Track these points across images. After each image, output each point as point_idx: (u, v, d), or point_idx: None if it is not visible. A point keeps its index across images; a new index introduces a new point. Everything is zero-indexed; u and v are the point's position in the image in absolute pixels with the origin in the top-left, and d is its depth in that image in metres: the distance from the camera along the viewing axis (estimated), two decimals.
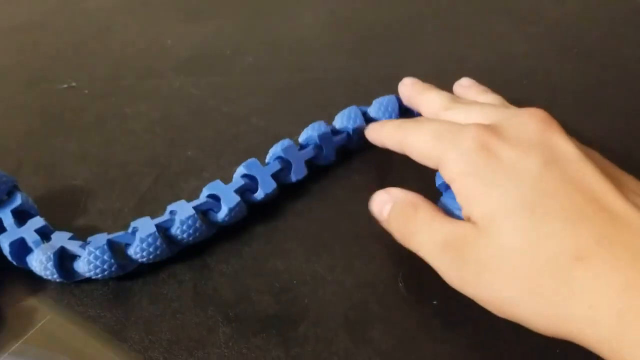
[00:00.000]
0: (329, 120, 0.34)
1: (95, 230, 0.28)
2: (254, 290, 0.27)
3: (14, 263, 0.27)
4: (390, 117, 0.33)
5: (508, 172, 0.22)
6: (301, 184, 0.31)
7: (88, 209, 0.31)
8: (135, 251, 0.27)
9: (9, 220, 0.27)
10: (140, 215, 0.28)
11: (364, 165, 0.33)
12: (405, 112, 0.34)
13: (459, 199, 0.24)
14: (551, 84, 0.40)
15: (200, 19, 0.47)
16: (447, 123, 0.26)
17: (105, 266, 0.26)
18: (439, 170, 0.25)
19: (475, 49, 0.43)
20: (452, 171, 0.24)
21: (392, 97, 0.34)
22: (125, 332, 0.25)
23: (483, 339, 0.25)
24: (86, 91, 0.40)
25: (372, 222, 0.27)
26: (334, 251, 0.28)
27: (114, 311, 0.26)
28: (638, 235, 0.20)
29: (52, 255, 0.26)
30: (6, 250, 0.27)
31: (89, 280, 0.27)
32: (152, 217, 0.28)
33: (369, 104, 0.34)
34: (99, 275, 0.26)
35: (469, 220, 0.23)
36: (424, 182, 0.28)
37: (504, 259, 0.21)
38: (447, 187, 0.26)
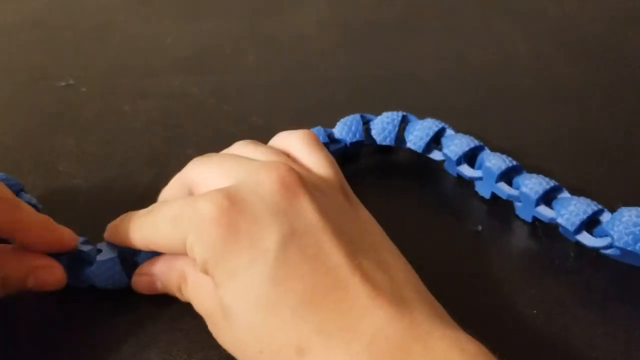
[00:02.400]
0: (328, 120, 0.33)
1: (95, 230, 0.28)
2: None
3: None
4: (354, 138, 0.32)
5: (247, 253, 0.21)
6: None
7: (87, 207, 0.31)
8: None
9: None
10: None
11: (364, 165, 0.33)
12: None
13: (213, 279, 0.22)
14: (552, 84, 0.39)
15: (200, 18, 0.47)
16: (182, 200, 0.24)
17: (116, 278, 0.26)
18: (188, 252, 0.23)
19: (475, 49, 0.43)
20: (198, 261, 0.22)
21: (356, 116, 0.33)
22: (125, 334, 0.25)
23: (483, 339, 0.24)
24: (85, 89, 0.40)
25: None
26: None
27: (113, 312, 0.26)
28: (360, 317, 0.20)
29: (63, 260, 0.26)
30: None
31: None
32: None
33: (370, 103, 0.34)
34: (110, 287, 0.26)
35: None
36: (422, 189, 0.28)
37: (245, 346, 0.21)
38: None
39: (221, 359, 0.24)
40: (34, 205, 0.28)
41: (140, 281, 0.26)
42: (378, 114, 0.33)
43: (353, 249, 0.22)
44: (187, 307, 0.26)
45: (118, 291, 0.27)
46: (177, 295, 0.25)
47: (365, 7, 0.48)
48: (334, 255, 0.21)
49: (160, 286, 0.25)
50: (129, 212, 0.26)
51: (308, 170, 0.25)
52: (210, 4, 0.49)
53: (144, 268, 0.26)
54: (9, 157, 0.34)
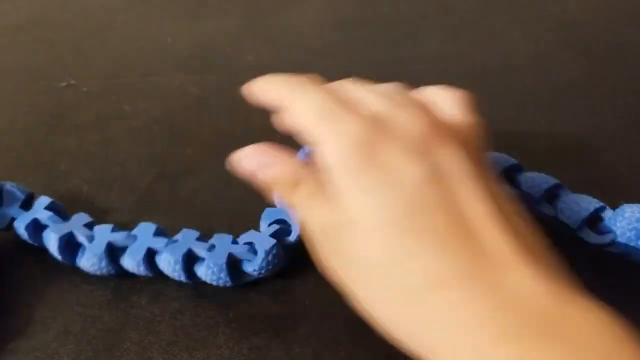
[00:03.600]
0: None
1: None
2: (254, 290, 0.27)
3: (60, 259, 0.27)
4: None
5: (383, 178, 0.21)
6: None
7: (87, 208, 0.31)
8: (257, 266, 0.26)
9: (46, 217, 0.27)
10: (140, 213, 0.28)
11: None
12: None
13: (333, 189, 0.22)
14: (553, 84, 0.39)
15: (201, 17, 0.47)
16: (335, 97, 0.24)
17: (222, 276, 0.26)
18: (316, 148, 0.23)
19: (476, 48, 0.43)
20: (327, 159, 0.22)
21: None
22: (125, 332, 0.25)
23: None
24: (85, 89, 0.40)
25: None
26: None
27: (114, 311, 0.26)
28: (503, 271, 0.19)
29: (180, 258, 0.26)
30: (54, 247, 0.27)
31: (88, 280, 0.27)
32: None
33: None
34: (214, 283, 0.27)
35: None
36: None
37: (368, 265, 0.20)
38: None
39: (221, 358, 0.24)
40: (20, 191, 0.28)
41: (254, 154, 0.25)
42: None
43: (493, 205, 0.21)
44: (188, 306, 0.26)
45: (118, 289, 0.27)
46: (283, 193, 0.24)
47: (365, 7, 0.48)
48: (479, 206, 0.20)
49: (270, 175, 0.24)
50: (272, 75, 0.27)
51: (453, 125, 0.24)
52: (210, 4, 0.49)
53: (246, 151, 0.25)
54: (9, 157, 0.34)
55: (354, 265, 0.21)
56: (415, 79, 0.40)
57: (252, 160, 0.25)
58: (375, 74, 0.41)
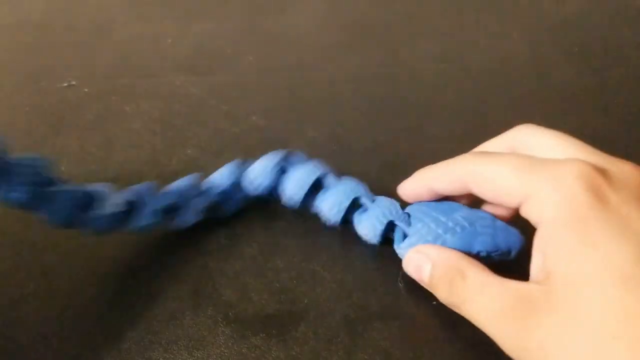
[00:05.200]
0: (328, 119, 0.33)
1: None
2: (254, 289, 0.27)
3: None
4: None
5: (615, 225, 0.19)
6: None
7: None
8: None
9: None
10: None
11: (365, 167, 0.33)
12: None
13: (538, 246, 0.21)
14: (551, 84, 0.40)
15: (201, 18, 0.47)
16: (529, 157, 0.22)
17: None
18: (521, 209, 0.21)
19: (476, 48, 0.43)
20: (542, 212, 0.20)
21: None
22: (126, 332, 0.25)
23: (483, 339, 0.25)
24: (86, 90, 0.40)
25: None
26: (334, 250, 0.28)
27: (114, 310, 0.26)
28: None
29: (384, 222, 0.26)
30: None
31: (89, 280, 0.27)
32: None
33: (370, 103, 0.34)
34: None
35: (538, 273, 0.21)
36: None
37: (577, 334, 0.18)
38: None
39: (221, 357, 0.24)
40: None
41: (413, 259, 0.24)
42: (378, 113, 0.33)
43: None
44: (188, 305, 0.26)
45: (117, 287, 0.27)
46: (440, 292, 0.23)
47: (365, 7, 0.48)
48: None
49: (426, 274, 0.24)
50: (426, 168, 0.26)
51: None
52: (210, 4, 0.49)
53: (422, 248, 0.24)
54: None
55: (557, 338, 0.19)
56: (415, 79, 0.40)
57: (409, 267, 0.25)
58: (375, 74, 0.41)
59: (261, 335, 0.25)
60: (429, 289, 0.24)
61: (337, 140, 0.35)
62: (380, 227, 0.26)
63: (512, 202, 0.22)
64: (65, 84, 0.40)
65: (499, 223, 0.25)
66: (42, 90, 0.40)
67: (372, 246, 0.28)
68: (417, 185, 0.26)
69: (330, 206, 0.27)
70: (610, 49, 0.43)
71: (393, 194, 0.28)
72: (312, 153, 0.33)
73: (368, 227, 0.27)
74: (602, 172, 0.21)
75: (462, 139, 0.35)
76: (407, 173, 0.30)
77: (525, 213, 0.21)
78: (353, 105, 0.38)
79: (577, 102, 0.38)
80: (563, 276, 0.19)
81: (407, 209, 0.27)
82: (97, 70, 0.42)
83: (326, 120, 0.35)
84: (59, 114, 0.38)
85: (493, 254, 0.24)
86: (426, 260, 0.24)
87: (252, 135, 0.36)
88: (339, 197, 0.27)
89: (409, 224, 0.26)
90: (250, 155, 0.30)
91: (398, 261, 0.27)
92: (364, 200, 0.27)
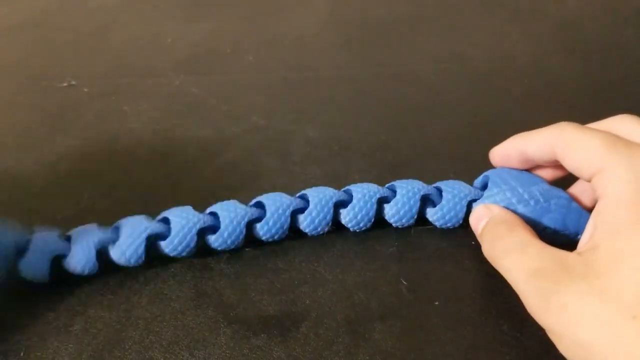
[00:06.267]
0: (329, 119, 0.33)
1: None
2: (255, 290, 0.27)
3: None
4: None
5: None
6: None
7: (88, 208, 0.31)
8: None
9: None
10: (141, 213, 0.28)
11: (365, 167, 0.33)
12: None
13: (592, 219, 0.21)
14: (552, 84, 0.40)
15: (201, 18, 0.47)
16: (619, 136, 0.23)
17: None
18: (592, 180, 0.22)
19: (476, 48, 0.43)
20: (607, 186, 0.21)
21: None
22: (125, 332, 0.25)
23: (483, 339, 0.25)
24: (86, 89, 0.40)
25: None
26: (335, 251, 0.28)
27: (114, 311, 0.26)
28: None
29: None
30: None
31: (88, 279, 0.27)
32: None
33: (370, 103, 0.34)
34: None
35: (585, 244, 0.21)
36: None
37: (601, 305, 0.19)
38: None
39: (223, 358, 0.24)
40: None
41: (477, 211, 0.26)
42: (378, 113, 0.33)
43: None
44: (189, 305, 0.26)
45: (118, 289, 0.27)
46: (485, 243, 0.24)
47: (365, 7, 0.48)
48: None
49: (482, 225, 0.25)
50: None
51: None
52: (210, 4, 0.49)
53: (491, 205, 0.26)
54: (9, 157, 0.34)
55: (581, 305, 0.19)
56: (415, 79, 0.40)
57: (471, 218, 0.26)
58: (375, 74, 0.41)
59: (262, 335, 0.25)
60: (478, 240, 0.25)
61: (337, 140, 0.35)
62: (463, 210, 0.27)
63: (588, 173, 0.22)
64: (65, 84, 0.40)
65: (574, 205, 0.25)
66: (42, 90, 0.40)
67: (372, 246, 0.28)
68: (509, 146, 0.27)
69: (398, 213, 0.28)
70: (610, 48, 0.43)
71: None
72: (312, 153, 0.33)
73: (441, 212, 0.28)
74: None
75: (462, 139, 0.35)
76: (407, 173, 0.30)
77: (593, 184, 0.22)
78: (353, 105, 0.38)
79: (578, 102, 0.38)
80: (606, 250, 0.20)
81: (488, 172, 0.28)
82: (97, 70, 0.42)
83: (326, 120, 0.35)
84: (58, 113, 0.38)
85: (560, 233, 0.25)
86: (488, 214, 0.25)
87: (252, 134, 0.36)
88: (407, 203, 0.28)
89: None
90: (250, 155, 0.30)
91: (399, 261, 0.27)
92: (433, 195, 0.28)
